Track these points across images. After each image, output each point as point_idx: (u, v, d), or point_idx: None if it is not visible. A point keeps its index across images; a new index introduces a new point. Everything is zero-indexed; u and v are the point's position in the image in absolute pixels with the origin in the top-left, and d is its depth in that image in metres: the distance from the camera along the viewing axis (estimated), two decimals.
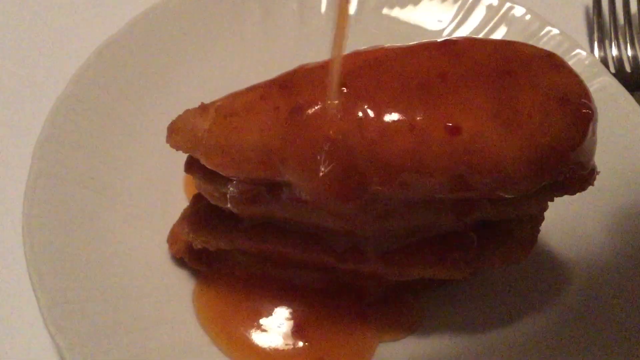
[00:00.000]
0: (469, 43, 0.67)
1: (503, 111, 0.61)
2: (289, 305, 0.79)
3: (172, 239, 0.79)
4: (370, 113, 0.61)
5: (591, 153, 0.66)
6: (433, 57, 0.65)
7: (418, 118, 0.61)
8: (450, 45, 0.66)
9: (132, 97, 0.92)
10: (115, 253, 0.79)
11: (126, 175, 0.86)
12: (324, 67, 0.66)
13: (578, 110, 0.63)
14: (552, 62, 0.66)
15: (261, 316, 0.78)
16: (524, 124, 0.61)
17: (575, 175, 0.66)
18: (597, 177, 0.69)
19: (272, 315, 0.79)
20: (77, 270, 0.75)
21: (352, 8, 1.04)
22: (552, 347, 0.77)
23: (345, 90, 0.63)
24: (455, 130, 0.61)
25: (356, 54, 0.67)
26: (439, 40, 0.69)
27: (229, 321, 0.77)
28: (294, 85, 0.65)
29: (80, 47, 0.96)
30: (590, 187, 0.69)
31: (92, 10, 1.11)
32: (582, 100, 0.64)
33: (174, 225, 0.80)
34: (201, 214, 0.76)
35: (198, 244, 0.76)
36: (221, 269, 0.80)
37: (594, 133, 0.65)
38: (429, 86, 0.62)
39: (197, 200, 0.76)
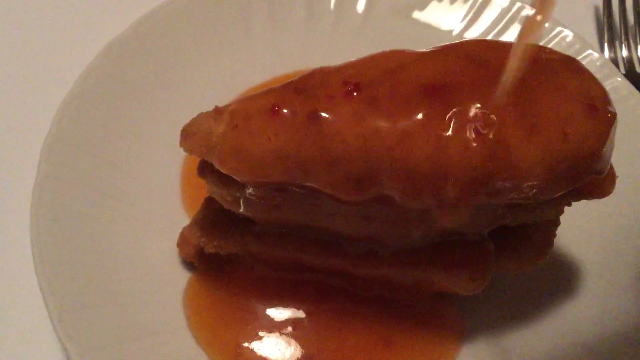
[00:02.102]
0: (488, 47, 0.66)
1: (524, 117, 0.60)
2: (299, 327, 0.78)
3: (183, 242, 0.78)
4: (389, 119, 0.60)
5: (609, 157, 0.65)
6: (450, 62, 0.64)
7: (437, 124, 0.60)
8: (466, 50, 0.65)
9: (140, 97, 0.91)
10: (125, 257, 0.78)
11: (135, 177, 0.85)
12: (340, 70, 0.65)
13: (600, 116, 0.62)
14: (572, 67, 0.65)
15: (269, 332, 0.77)
16: (545, 129, 0.60)
17: (593, 180, 0.65)
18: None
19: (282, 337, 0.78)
20: (86, 275, 0.74)
21: (360, 8, 1.03)
22: (568, 352, 0.76)
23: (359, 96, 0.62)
24: (476, 137, 0.60)
25: (372, 59, 0.65)
26: (454, 43, 0.68)
27: (222, 330, 0.76)
28: (311, 89, 0.64)
29: (87, 47, 0.94)
30: None
31: (98, 9, 1.09)
32: (604, 105, 0.63)
33: (185, 229, 0.79)
34: (213, 218, 0.75)
35: (210, 249, 0.75)
36: (232, 274, 0.79)
37: (613, 136, 0.64)
38: (447, 92, 0.61)
39: (209, 204, 0.75)
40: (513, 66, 0.59)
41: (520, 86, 0.62)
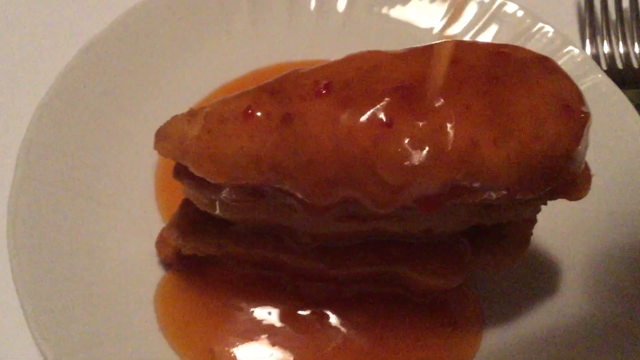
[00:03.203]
0: (463, 47, 0.66)
1: (497, 118, 0.60)
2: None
3: (161, 243, 0.78)
4: (363, 122, 0.60)
5: (583, 157, 0.65)
6: (425, 63, 0.63)
7: (411, 126, 0.60)
8: (441, 50, 0.65)
9: (118, 98, 0.90)
10: (103, 259, 0.78)
11: (113, 179, 0.84)
12: (315, 71, 0.65)
13: (573, 116, 0.62)
14: (546, 67, 0.65)
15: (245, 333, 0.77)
16: (518, 130, 0.60)
17: (569, 180, 0.65)
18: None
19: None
20: (64, 277, 0.74)
21: (342, 6, 1.02)
22: (548, 350, 0.76)
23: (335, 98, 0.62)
24: (448, 138, 0.60)
25: (348, 60, 0.65)
26: (431, 44, 0.67)
27: (195, 331, 0.76)
28: (285, 91, 0.63)
29: (64, 47, 0.93)
30: None
31: (75, 9, 1.08)
32: (577, 105, 0.63)
33: (163, 230, 0.78)
34: (190, 219, 0.75)
35: (187, 250, 0.75)
36: (210, 274, 0.79)
37: (587, 136, 0.64)
38: (421, 94, 0.61)
39: (186, 205, 0.75)
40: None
41: (493, 86, 0.62)
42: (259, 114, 0.63)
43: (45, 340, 0.68)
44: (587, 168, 0.68)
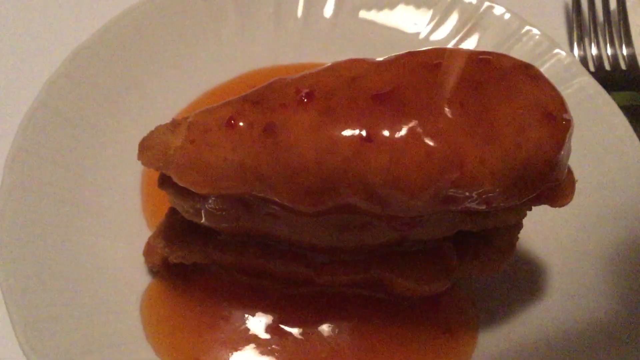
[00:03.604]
0: (445, 56, 0.66)
1: (480, 126, 0.61)
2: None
3: (148, 252, 0.78)
4: (345, 131, 0.60)
5: (566, 164, 0.65)
6: (408, 72, 0.64)
7: (393, 135, 0.60)
8: (426, 59, 0.65)
9: (105, 106, 0.90)
10: (92, 268, 0.78)
11: (100, 187, 0.84)
12: (298, 80, 0.65)
13: (555, 123, 0.63)
14: (528, 74, 0.65)
15: (231, 341, 0.77)
16: (500, 138, 0.61)
17: (552, 186, 0.66)
18: (576, 177, 0.69)
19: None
20: (51, 287, 0.74)
21: (329, 11, 1.02)
22: (536, 353, 0.77)
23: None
24: (431, 147, 0.60)
25: (331, 69, 0.65)
26: (415, 51, 0.68)
27: (180, 339, 0.76)
28: (267, 101, 0.64)
29: (50, 56, 0.93)
30: None
31: (61, 17, 1.08)
32: (559, 112, 0.63)
33: (150, 239, 0.79)
34: (176, 228, 0.75)
35: (174, 259, 0.75)
36: (197, 282, 0.79)
37: (569, 143, 0.64)
38: (404, 103, 0.61)
39: (172, 214, 0.75)
40: None
41: (476, 94, 0.63)
42: (241, 123, 0.63)
43: (34, 351, 0.68)
44: (570, 174, 0.68)
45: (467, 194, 0.61)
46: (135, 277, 0.79)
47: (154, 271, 0.79)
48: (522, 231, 0.79)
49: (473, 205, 0.63)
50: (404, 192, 0.61)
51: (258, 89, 0.66)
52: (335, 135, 0.60)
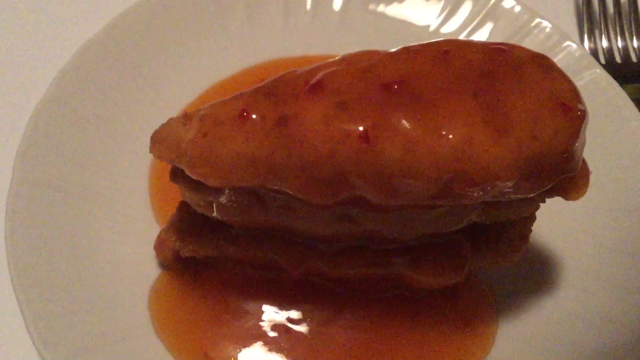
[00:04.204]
0: (459, 46, 0.65)
1: (493, 117, 0.60)
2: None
3: (159, 246, 0.78)
4: (358, 122, 0.60)
5: (580, 155, 0.65)
6: (421, 63, 0.63)
7: (406, 126, 0.60)
8: (439, 50, 0.65)
9: (116, 99, 0.90)
10: (102, 262, 0.78)
11: (112, 181, 0.84)
12: (310, 72, 0.65)
13: (569, 114, 0.62)
14: (542, 65, 0.65)
15: (241, 335, 0.76)
16: (514, 130, 0.60)
17: (566, 178, 0.65)
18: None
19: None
20: (63, 282, 0.74)
21: (338, 5, 1.02)
22: (547, 345, 0.76)
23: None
24: (445, 138, 0.59)
25: (343, 60, 0.65)
26: (428, 42, 0.67)
27: (189, 333, 0.75)
28: (280, 94, 0.63)
29: (60, 49, 0.93)
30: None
31: (69, 12, 1.07)
32: (573, 103, 0.62)
33: (161, 233, 0.78)
34: (188, 221, 0.74)
35: (185, 252, 0.75)
36: (207, 276, 0.79)
37: (583, 134, 0.64)
38: (417, 93, 0.61)
39: (184, 208, 0.75)
40: None
41: (489, 85, 0.62)
42: (254, 116, 0.63)
43: (45, 345, 0.68)
44: (585, 166, 0.68)
45: (481, 186, 0.61)
46: (144, 272, 0.79)
47: (164, 265, 0.79)
48: (537, 224, 0.78)
49: (486, 197, 0.62)
50: (417, 183, 0.60)
51: (270, 81, 0.66)
52: (348, 126, 0.60)
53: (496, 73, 0.63)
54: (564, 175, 0.64)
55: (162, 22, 0.97)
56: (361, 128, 0.60)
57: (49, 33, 1.05)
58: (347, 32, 1.01)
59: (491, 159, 0.59)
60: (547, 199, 0.71)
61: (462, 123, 0.60)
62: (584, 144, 0.65)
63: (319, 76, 0.63)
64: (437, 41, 0.67)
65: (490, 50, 0.65)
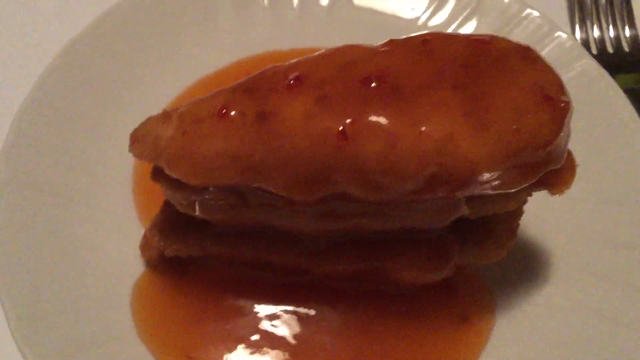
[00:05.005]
0: (441, 40, 0.65)
1: (474, 110, 0.59)
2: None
3: (145, 246, 0.78)
4: (338, 117, 0.59)
5: (565, 147, 0.64)
6: (403, 57, 0.62)
7: (386, 121, 0.59)
8: (421, 43, 0.64)
9: (101, 98, 0.89)
10: (86, 262, 0.77)
11: (95, 181, 0.84)
12: (291, 67, 0.64)
13: (553, 106, 0.61)
14: (526, 56, 0.64)
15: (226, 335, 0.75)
16: (496, 122, 0.59)
17: (552, 171, 0.64)
18: (578, 162, 0.67)
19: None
20: (47, 282, 0.74)
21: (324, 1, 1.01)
22: (540, 339, 0.76)
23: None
24: (426, 132, 0.59)
25: (325, 55, 0.64)
26: (410, 36, 0.66)
27: (172, 334, 0.75)
28: (260, 89, 0.63)
29: (44, 49, 0.92)
30: None
31: (54, 10, 1.06)
32: (557, 94, 0.62)
33: (146, 232, 0.78)
34: (171, 221, 0.74)
35: (169, 252, 0.74)
36: (192, 275, 0.78)
37: (568, 126, 0.63)
38: (398, 88, 0.60)
39: (167, 207, 0.74)
40: None
41: (471, 77, 0.61)
42: (233, 113, 0.62)
43: (29, 347, 0.68)
44: (571, 158, 0.67)
45: (462, 179, 0.60)
46: (128, 272, 0.78)
47: (150, 265, 0.79)
48: (527, 218, 0.78)
49: (470, 191, 0.61)
50: (399, 177, 0.60)
51: (250, 77, 0.65)
52: (327, 122, 0.59)
53: (478, 65, 0.62)
54: (549, 168, 0.63)
55: (148, 19, 0.96)
56: (340, 124, 0.59)
57: (32, 33, 1.04)
58: (335, 26, 1.00)
59: (472, 153, 0.59)
60: (534, 193, 0.70)
61: (443, 117, 0.59)
62: (568, 136, 0.64)
63: (299, 72, 0.63)
64: (419, 34, 0.66)
65: (473, 42, 0.64)
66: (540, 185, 0.67)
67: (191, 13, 0.98)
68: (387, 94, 0.60)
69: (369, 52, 0.64)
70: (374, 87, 0.60)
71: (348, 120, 0.59)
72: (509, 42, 0.66)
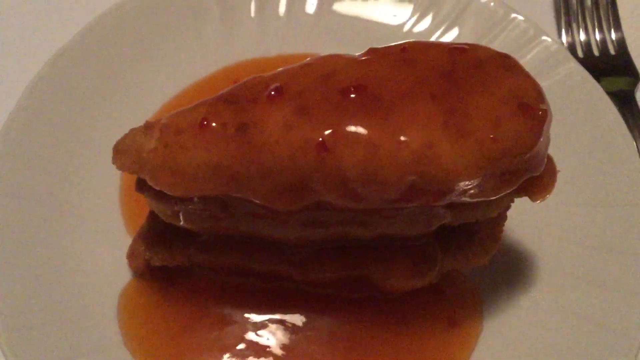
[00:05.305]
0: (420, 48, 0.65)
1: (453, 119, 0.60)
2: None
3: (132, 255, 0.78)
4: (318, 128, 0.60)
5: (544, 155, 0.64)
6: (383, 66, 0.63)
7: (366, 131, 0.60)
8: (401, 52, 0.65)
9: (89, 108, 0.90)
10: (74, 272, 0.78)
11: (84, 191, 0.84)
12: (272, 78, 0.65)
13: (531, 114, 0.62)
14: (505, 65, 0.65)
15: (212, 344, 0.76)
16: (475, 131, 0.60)
17: (532, 177, 0.65)
18: (562, 165, 0.67)
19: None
20: (35, 292, 0.74)
21: (312, 7, 1.02)
22: (528, 343, 0.76)
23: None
24: (405, 141, 0.59)
25: (306, 68, 0.65)
26: (390, 45, 0.67)
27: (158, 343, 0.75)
28: (241, 100, 0.63)
29: (32, 59, 0.92)
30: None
31: (42, 20, 1.06)
32: (535, 102, 0.62)
33: (132, 242, 0.78)
34: (157, 231, 0.74)
35: (155, 262, 0.75)
36: (180, 284, 0.79)
37: (547, 134, 0.63)
38: (377, 98, 0.61)
39: (153, 217, 0.75)
40: None
41: (449, 86, 0.62)
42: (214, 124, 0.63)
43: (15, 356, 0.69)
44: (551, 165, 0.68)
45: (444, 188, 0.61)
46: (115, 282, 0.79)
47: (137, 274, 0.79)
48: (514, 222, 0.79)
49: (450, 199, 0.62)
50: (379, 187, 0.60)
51: (231, 88, 0.66)
52: (308, 132, 0.60)
53: (457, 73, 0.63)
54: (528, 175, 0.64)
55: (135, 28, 0.96)
56: (320, 134, 0.60)
57: (18, 44, 1.04)
58: (321, 33, 1.01)
59: (451, 161, 0.59)
60: (516, 199, 0.71)
61: (422, 126, 0.60)
62: (548, 143, 0.64)
63: (279, 82, 0.63)
64: (399, 44, 0.67)
65: (452, 51, 0.65)
66: (521, 192, 0.67)
67: (178, 23, 0.99)
68: (366, 104, 0.61)
69: (349, 62, 0.65)
70: (353, 97, 0.61)
71: (328, 131, 0.60)
72: (488, 50, 0.66)
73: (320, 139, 0.60)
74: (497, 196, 0.64)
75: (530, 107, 0.62)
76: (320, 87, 0.62)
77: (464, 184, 0.61)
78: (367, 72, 0.63)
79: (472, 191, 0.62)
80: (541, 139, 0.62)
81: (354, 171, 0.60)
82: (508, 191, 0.64)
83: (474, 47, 0.66)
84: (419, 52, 0.65)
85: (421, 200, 0.62)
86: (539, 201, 0.68)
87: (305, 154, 0.60)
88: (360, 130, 0.60)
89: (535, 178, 0.66)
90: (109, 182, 0.85)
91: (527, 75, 0.64)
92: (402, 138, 0.59)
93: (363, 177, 0.60)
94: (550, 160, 0.68)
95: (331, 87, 0.62)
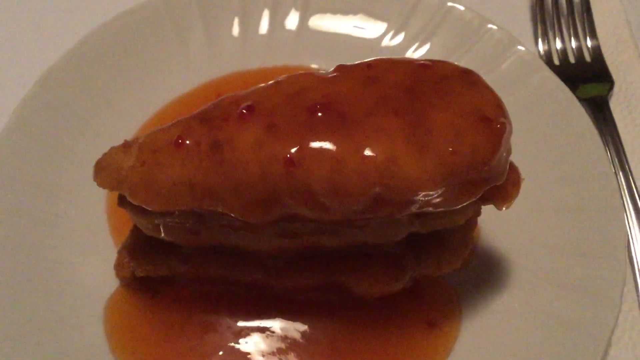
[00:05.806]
0: (385, 65, 0.68)
1: (415, 133, 0.63)
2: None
3: (119, 266, 0.81)
4: (286, 144, 0.63)
5: (505, 166, 0.67)
6: (349, 84, 0.66)
7: (332, 147, 0.63)
8: (366, 70, 0.68)
9: (76, 123, 0.93)
10: (61, 281, 0.81)
11: (73, 204, 0.87)
12: (244, 97, 0.68)
13: (490, 127, 0.64)
14: (467, 80, 0.67)
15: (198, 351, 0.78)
16: (436, 145, 0.63)
17: (496, 187, 0.68)
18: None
19: None
20: (21, 300, 0.77)
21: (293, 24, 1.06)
22: (500, 343, 0.79)
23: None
24: (370, 156, 0.62)
25: (276, 86, 0.68)
26: (357, 63, 0.70)
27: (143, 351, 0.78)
28: (214, 119, 0.66)
29: (22, 77, 0.96)
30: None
31: (31, 39, 1.10)
32: (495, 116, 0.65)
33: (118, 253, 0.82)
34: (140, 243, 0.78)
35: (140, 272, 0.78)
36: (165, 293, 0.82)
37: (507, 145, 0.66)
38: (342, 115, 0.64)
39: (136, 230, 0.78)
40: None
41: (414, 103, 0.65)
42: (188, 142, 0.66)
43: None
44: (514, 173, 0.70)
45: (408, 199, 0.64)
46: (102, 291, 0.82)
47: (124, 284, 0.82)
48: (488, 227, 0.81)
49: (414, 209, 0.65)
50: (345, 199, 0.63)
51: (206, 107, 0.69)
52: (276, 149, 0.63)
53: (420, 89, 0.66)
54: (491, 184, 0.66)
55: (123, 48, 1.00)
56: (288, 151, 0.63)
57: (9, 61, 1.07)
58: (302, 47, 1.04)
59: (414, 174, 0.62)
60: (483, 207, 0.73)
61: (385, 141, 0.62)
62: (509, 154, 0.67)
63: (250, 101, 0.67)
64: (366, 61, 0.70)
65: (416, 67, 0.68)
66: (485, 200, 0.70)
67: (163, 41, 1.03)
68: (332, 121, 0.64)
69: (317, 80, 0.68)
70: (320, 115, 0.64)
71: (295, 148, 0.63)
72: (451, 65, 0.69)
73: (288, 155, 0.63)
74: (460, 205, 0.67)
75: (490, 120, 0.64)
76: (289, 105, 0.65)
77: (426, 195, 0.63)
78: (334, 89, 0.66)
79: (435, 201, 0.65)
80: (500, 150, 0.64)
81: (321, 185, 0.63)
82: (471, 201, 0.67)
83: (437, 63, 0.69)
84: (384, 69, 0.68)
85: (386, 211, 0.65)
86: (504, 209, 0.71)
87: (274, 170, 0.63)
88: (326, 146, 0.63)
89: (499, 187, 0.69)
90: (96, 196, 0.88)
91: (488, 90, 0.67)
92: (366, 153, 0.62)
93: (330, 191, 0.63)
94: (513, 169, 0.70)
95: (299, 105, 0.65)
